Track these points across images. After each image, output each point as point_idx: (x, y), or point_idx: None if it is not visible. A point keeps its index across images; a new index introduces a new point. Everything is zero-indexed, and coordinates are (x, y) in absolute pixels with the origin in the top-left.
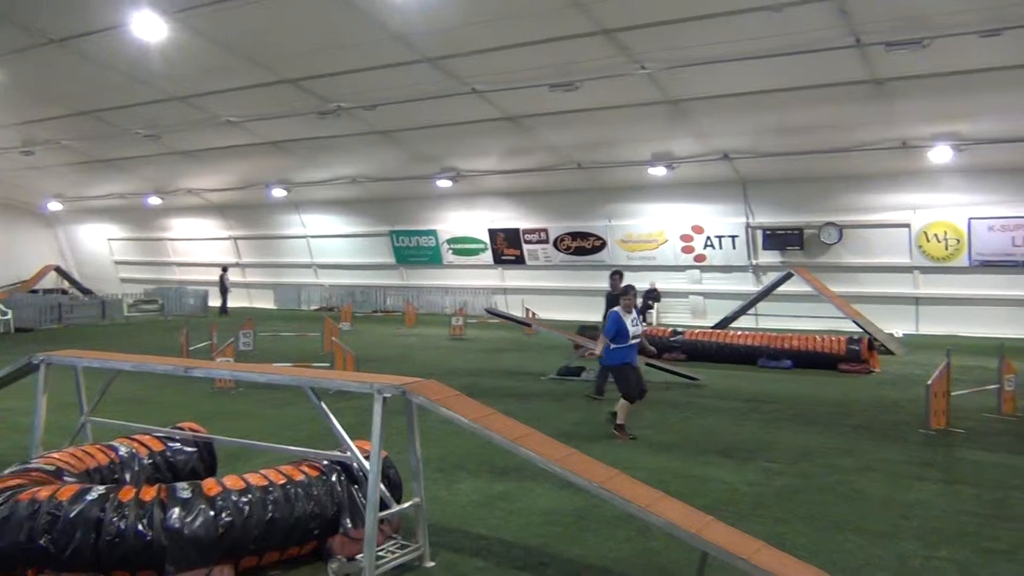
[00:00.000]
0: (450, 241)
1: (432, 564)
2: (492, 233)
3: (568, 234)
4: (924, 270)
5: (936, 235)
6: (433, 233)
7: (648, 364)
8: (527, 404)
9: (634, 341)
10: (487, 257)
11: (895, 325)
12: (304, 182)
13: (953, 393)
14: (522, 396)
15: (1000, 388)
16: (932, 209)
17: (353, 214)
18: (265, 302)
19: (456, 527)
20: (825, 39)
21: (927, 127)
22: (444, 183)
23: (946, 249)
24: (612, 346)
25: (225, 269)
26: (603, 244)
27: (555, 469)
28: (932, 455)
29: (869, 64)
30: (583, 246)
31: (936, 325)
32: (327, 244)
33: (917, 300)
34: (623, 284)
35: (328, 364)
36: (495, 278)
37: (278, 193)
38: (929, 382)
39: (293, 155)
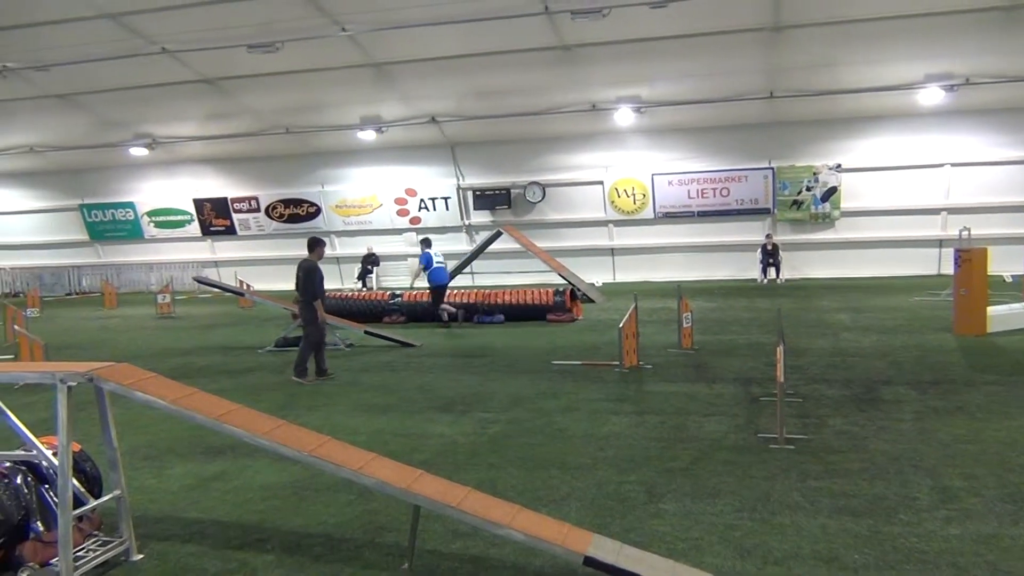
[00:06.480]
0: (151, 213)
1: (140, 557)
2: (198, 203)
3: (280, 201)
4: (617, 223)
5: (625, 190)
6: (131, 205)
7: (367, 332)
8: (243, 379)
9: None
10: (194, 229)
11: (595, 275)
12: None
13: (642, 332)
14: (238, 372)
15: (680, 325)
16: (621, 167)
17: (35, 187)
18: None
19: (167, 514)
20: (516, 6)
21: (612, 91)
22: (139, 151)
23: (634, 203)
24: None
25: None
26: (318, 211)
27: (262, 442)
28: (625, 391)
29: (557, 31)
30: (297, 213)
31: (630, 272)
32: (5, 222)
33: (613, 251)
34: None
35: (12, 356)
36: (204, 251)
37: None
38: (621, 325)
39: None
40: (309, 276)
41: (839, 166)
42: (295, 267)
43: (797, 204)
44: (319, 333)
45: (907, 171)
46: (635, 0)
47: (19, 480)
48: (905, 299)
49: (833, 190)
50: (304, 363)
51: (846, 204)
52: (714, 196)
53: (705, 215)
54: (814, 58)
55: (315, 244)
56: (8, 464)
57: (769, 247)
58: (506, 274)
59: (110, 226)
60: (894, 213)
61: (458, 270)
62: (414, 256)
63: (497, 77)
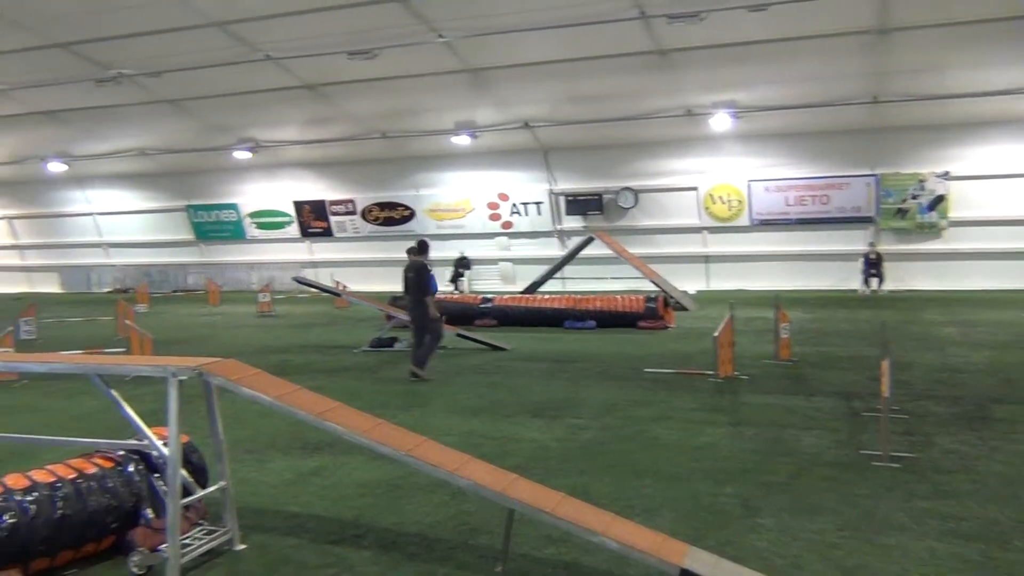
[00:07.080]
0: (253, 215)
1: (243, 547)
2: (297, 205)
3: (376, 204)
4: (712, 230)
5: (720, 197)
6: (234, 207)
7: (458, 335)
8: (339, 378)
9: None
10: (293, 230)
11: (688, 282)
12: (86, 155)
13: (738, 342)
14: (334, 370)
15: (777, 336)
16: (716, 173)
17: (145, 188)
18: (49, 286)
19: (268, 507)
20: (613, 11)
21: (708, 96)
22: (243, 154)
23: (729, 210)
24: None
25: None
26: (412, 214)
27: (361, 441)
28: (720, 401)
29: (653, 36)
30: (392, 216)
31: (724, 281)
32: (118, 221)
33: (707, 258)
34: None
35: (124, 349)
36: (303, 251)
37: (56, 167)
38: (716, 334)
39: (70, 125)
40: (421, 274)
41: (947, 173)
42: (388, 269)
43: (902, 212)
44: (439, 327)
45: (1020, 179)
46: (733, 4)
47: (131, 468)
48: (1017, 313)
49: (940, 198)
50: (426, 358)
51: (954, 213)
52: (813, 203)
53: (804, 223)
54: (921, 62)
55: (424, 247)
56: (122, 452)
57: (872, 256)
58: (598, 280)
59: (214, 226)
60: (1006, 223)
61: (549, 275)
62: (505, 260)
63: (592, 82)
